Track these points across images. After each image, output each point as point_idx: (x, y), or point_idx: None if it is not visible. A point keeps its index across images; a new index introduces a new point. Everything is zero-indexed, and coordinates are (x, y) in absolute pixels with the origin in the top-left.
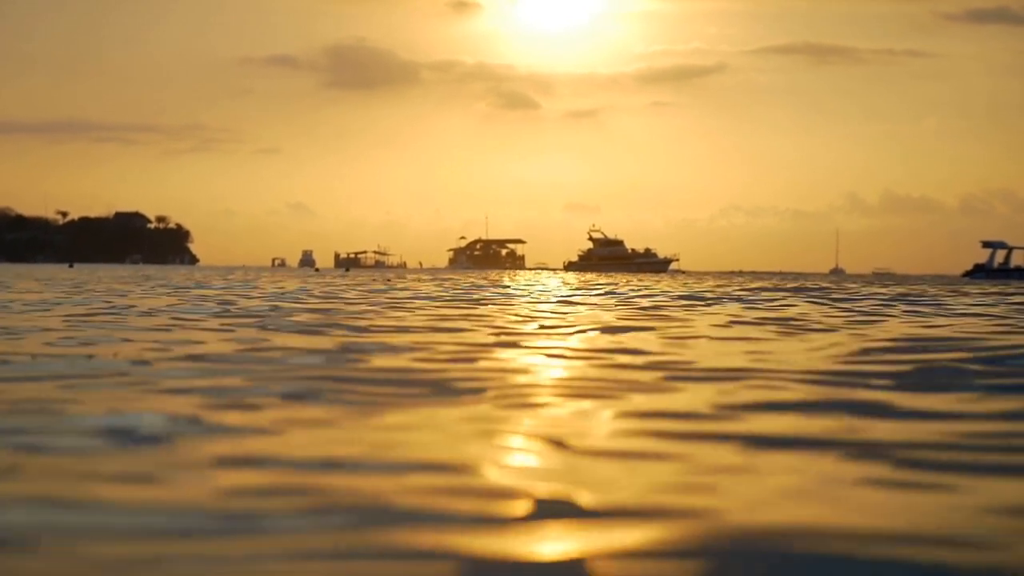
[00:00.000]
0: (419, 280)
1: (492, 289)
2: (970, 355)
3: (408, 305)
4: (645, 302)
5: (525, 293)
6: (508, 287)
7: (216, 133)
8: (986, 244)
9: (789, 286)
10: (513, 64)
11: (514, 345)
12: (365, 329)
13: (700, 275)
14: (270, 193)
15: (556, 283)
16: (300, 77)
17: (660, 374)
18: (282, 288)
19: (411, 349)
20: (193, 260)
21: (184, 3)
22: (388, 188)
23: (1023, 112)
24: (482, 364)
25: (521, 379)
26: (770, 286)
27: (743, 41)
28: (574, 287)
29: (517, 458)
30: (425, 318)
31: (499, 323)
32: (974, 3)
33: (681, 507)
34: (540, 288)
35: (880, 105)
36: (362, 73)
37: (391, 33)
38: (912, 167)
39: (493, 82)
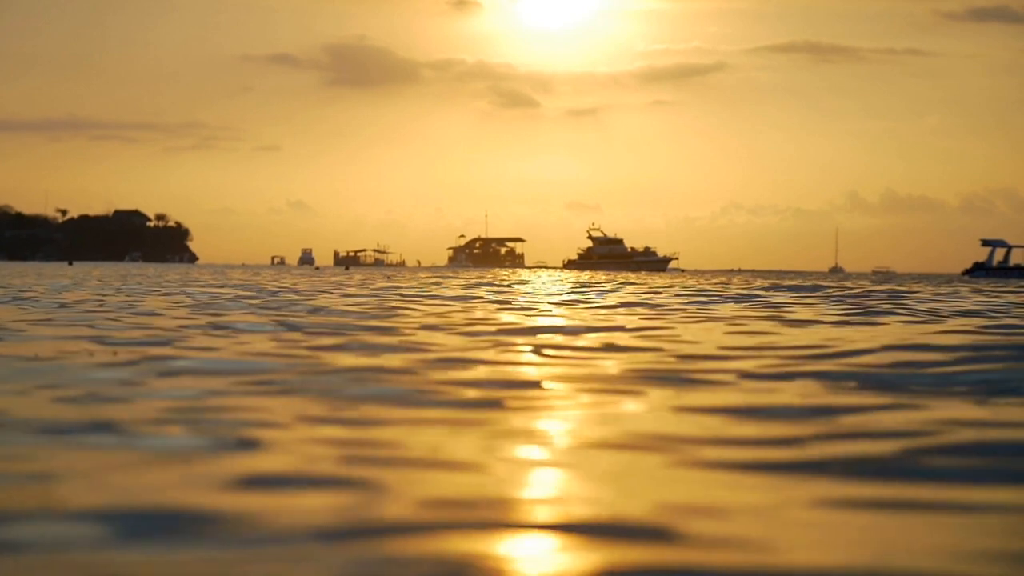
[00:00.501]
0: (424, 278)
1: (500, 287)
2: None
3: (423, 304)
4: (657, 300)
5: (532, 292)
6: (511, 286)
7: (216, 131)
8: (986, 243)
9: (786, 284)
10: (513, 63)
11: (541, 344)
12: (395, 329)
13: (701, 274)
14: (270, 191)
15: (557, 280)
16: (300, 75)
17: (684, 370)
18: (298, 286)
19: (427, 348)
20: (192, 258)
21: (184, 1)
22: (388, 186)
23: (1023, 110)
24: (520, 363)
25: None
26: (766, 284)
27: (744, 40)
28: (578, 285)
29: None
30: (440, 317)
31: (523, 323)
32: (975, 2)
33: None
34: (544, 286)
35: (880, 104)
36: (362, 71)
37: (391, 31)
38: (912, 166)
39: (493, 80)
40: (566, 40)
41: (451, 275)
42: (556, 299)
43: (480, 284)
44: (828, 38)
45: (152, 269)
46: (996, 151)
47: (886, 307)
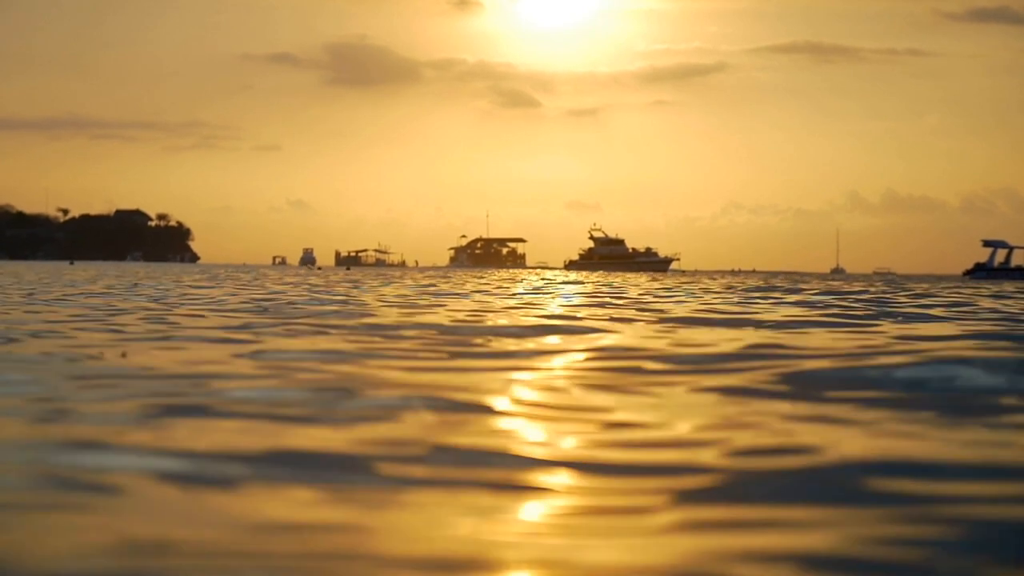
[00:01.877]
0: (435, 279)
1: (516, 288)
2: None
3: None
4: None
5: (555, 295)
6: (531, 289)
7: (216, 130)
8: (987, 243)
9: (781, 285)
10: (514, 62)
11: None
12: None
13: (703, 274)
14: (270, 190)
15: (571, 282)
16: (301, 74)
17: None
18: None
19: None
20: (194, 258)
21: (184, 1)
22: (389, 186)
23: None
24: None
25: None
26: (762, 284)
27: (744, 40)
28: (594, 286)
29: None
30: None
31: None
32: (975, 2)
33: None
34: (562, 289)
35: (881, 104)
36: (363, 71)
37: (392, 31)
38: (913, 166)
39: (494, 80)
40: (567, 40)
41: (460, 275)
42: (581, 300)
43: (501, 287)
44: (829, 38)
45: (163, 268)
46: (997, 151)
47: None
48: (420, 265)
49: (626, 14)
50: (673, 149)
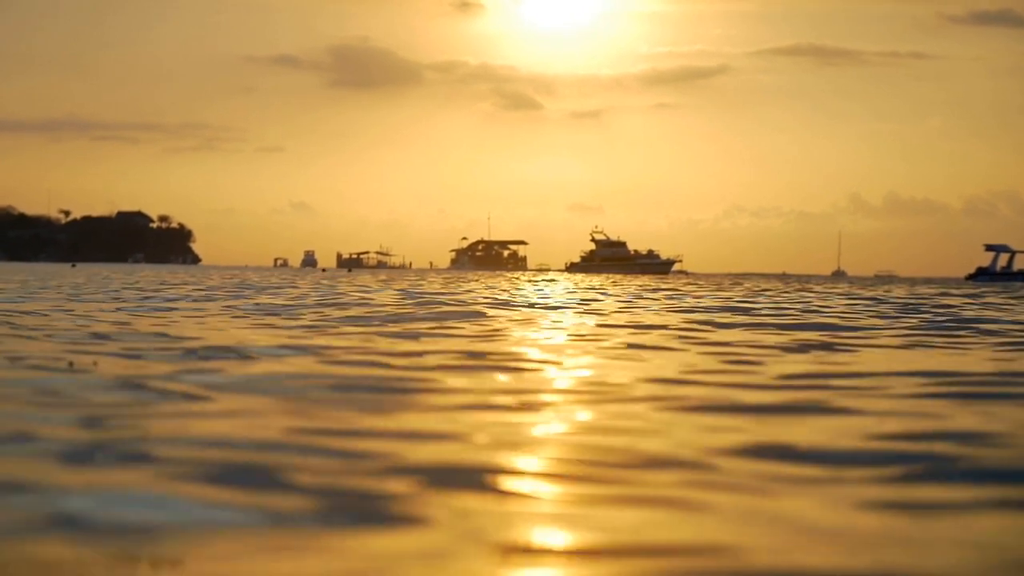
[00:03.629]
0: (440, 281)
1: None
2: None
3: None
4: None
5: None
6: (544, 297)
7: (219, 132)
8: (989, 247)
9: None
10: (516, 65)
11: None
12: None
13: (704, 276)
14: (272, 192)
15: (573, 287)
16: (303, 76)
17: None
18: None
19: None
20: (195, 260)
21: (187, 2)
22: (391, 188)
23: None
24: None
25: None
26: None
27: (747, 42)
28: (613, 294)
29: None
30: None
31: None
32: (978, 5)
33: None
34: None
35: (884, 107)
36: (365, 73)
37: (394, 33)
38: (916, 169)
39: (496, 82)
40: (569, 42)
41: (468, 278)
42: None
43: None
44: (832, 41)
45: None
46: (999, 154)
47: None
48: (417, 267)
49: (628, 16)
50: (675, 151)
